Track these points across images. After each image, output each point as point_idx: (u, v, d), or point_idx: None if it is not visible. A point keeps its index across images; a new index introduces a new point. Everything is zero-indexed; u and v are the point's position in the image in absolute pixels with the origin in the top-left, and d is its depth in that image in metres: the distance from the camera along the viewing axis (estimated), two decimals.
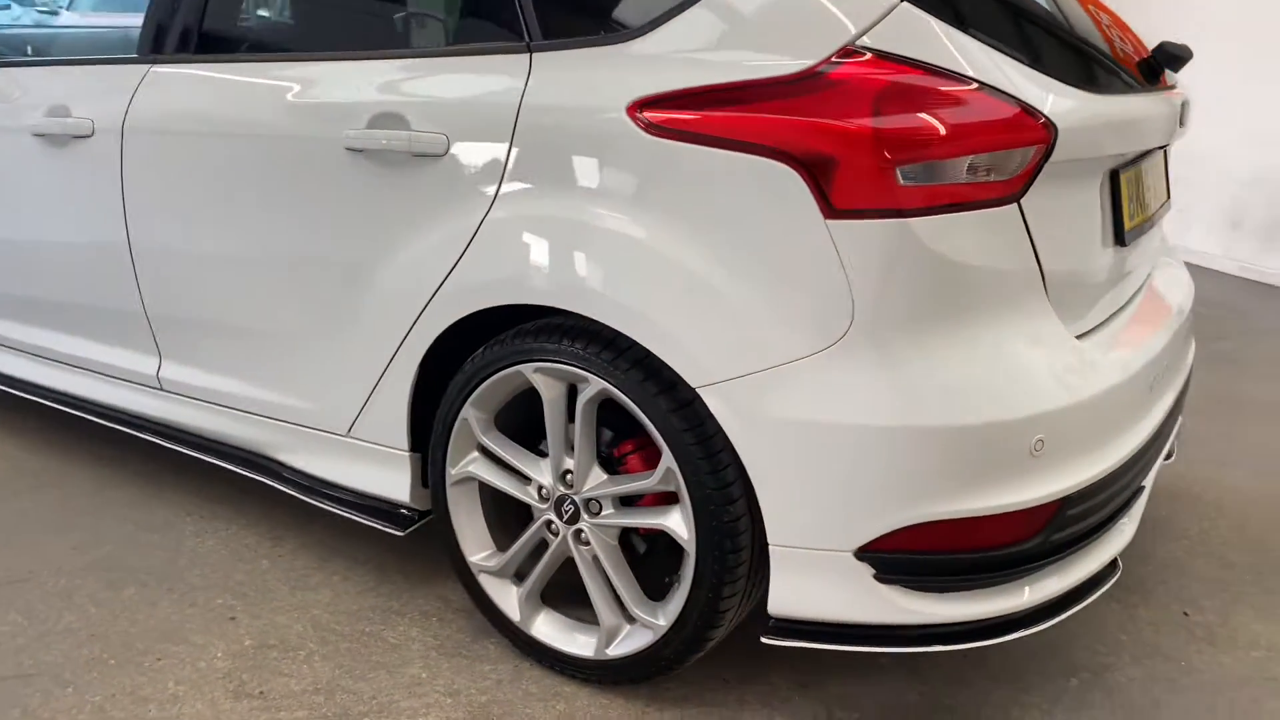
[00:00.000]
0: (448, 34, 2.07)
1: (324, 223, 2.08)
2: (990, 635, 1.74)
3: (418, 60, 2.00)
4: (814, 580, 1.71)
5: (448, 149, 1.88)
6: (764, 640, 1.76)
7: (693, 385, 1.69)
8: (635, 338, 1.73)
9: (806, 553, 1.70)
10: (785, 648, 1.77)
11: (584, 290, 1.76)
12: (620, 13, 1.83)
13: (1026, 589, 1.74)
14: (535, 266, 1.81)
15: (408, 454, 2.14)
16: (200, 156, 2.23)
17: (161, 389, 2.54)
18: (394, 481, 2.18)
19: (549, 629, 2.03)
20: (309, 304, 2.16)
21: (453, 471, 2.05)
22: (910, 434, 1.61)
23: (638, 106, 1.69)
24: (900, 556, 1.67)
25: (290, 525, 2.57)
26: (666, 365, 1.73)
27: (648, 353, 1.76)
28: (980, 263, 1.63)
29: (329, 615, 2.21)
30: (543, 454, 2.01)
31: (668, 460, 1.76)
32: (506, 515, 2.15)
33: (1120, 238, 1.94)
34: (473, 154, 1.87)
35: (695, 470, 1.73)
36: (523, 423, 2.03)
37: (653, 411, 1.75)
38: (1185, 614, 2.30)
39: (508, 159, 1.83)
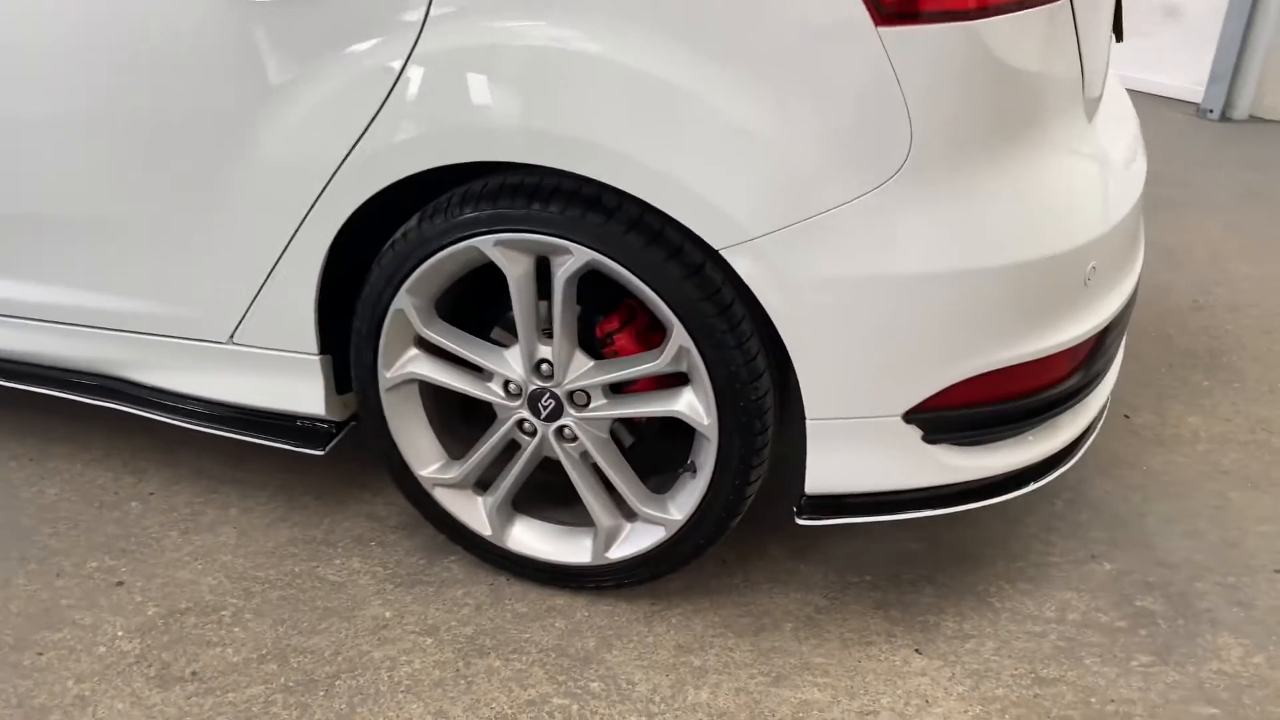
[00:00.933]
0: None
1: (179, 70, 1.58)
2: (1024, 483, 1.63)
3: None
4: (856, 451, 1.52)
5: None
6: (800, 521, 1.58)
7: (715, 246, 1.41)
8: (637, 193, 1.41)
9: (849, 423, 1.50)
10: (819, 526, 1.59)
11: (562, 138, 1.41)
12: None
13: (1061, 431, 1.63)
14: (488, 112, 1.43)
15: (318, 357, 1.75)
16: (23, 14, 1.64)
17: None
18: (302, 392, 1.79)
19: (531, 539, 1.76)
20: (164, 180, 1.67)
21: (388, 374, 1.69)
22: (973, 278, 1.41)
23: None
24: (949, 414, 1.50)
25: (150, 455, 2.11)
26: (672, 225, 1.43)
27: (644, 211, 1.45)
28: (1039, 68, 1.41)
29: (243, 560, 1.83)
30: (496, 343, 1.68)
31: (679, 338, 1.48)
32: (451, 416, 1.83)
33: (1119, 30, 1.77)
34: None
35: (718, 346, 1.47)
36: (451, 310, 1.68)
37: (659, 281, 1.46)
38: (1126, 417, 2.31)
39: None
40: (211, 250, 1.71)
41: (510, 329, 1.71)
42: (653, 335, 1.64)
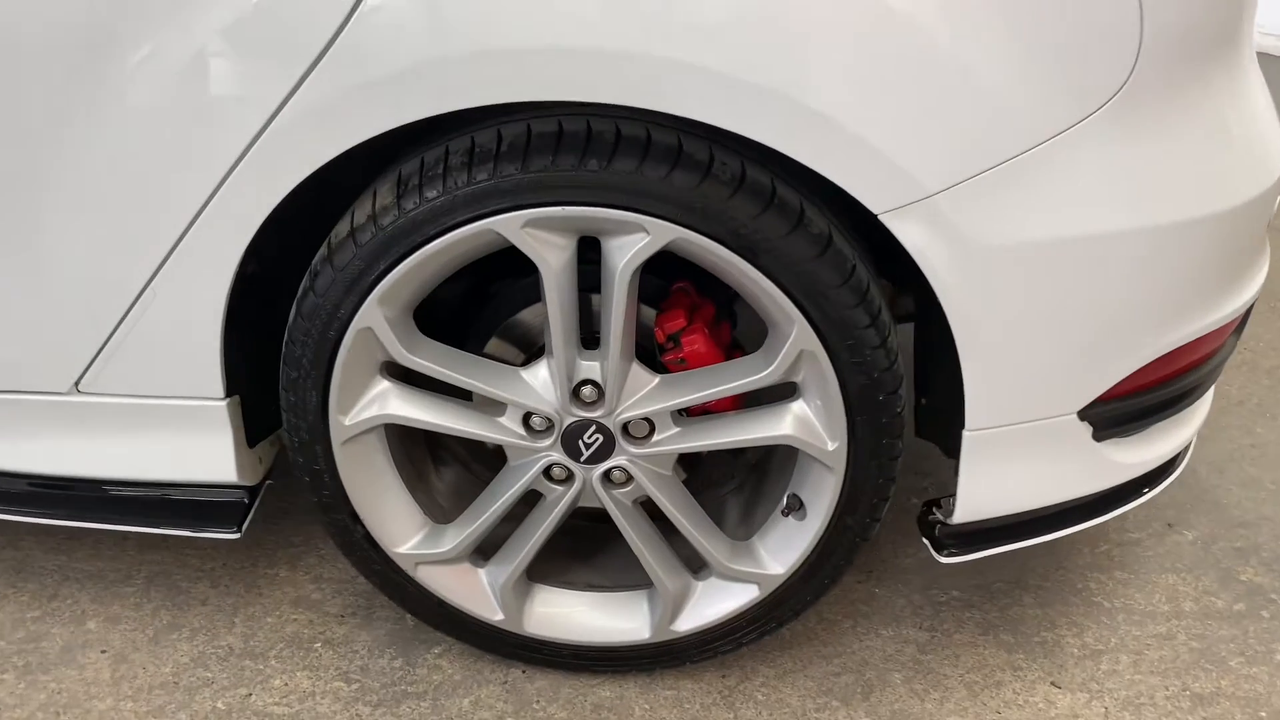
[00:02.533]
0: None
1: None
2: (1172, 469, 1.34)
3: None
4: (1021, 463, 1.16)
5: None
6: (943, 560, 1.21)
7: (876, 209, 0.99)
8: (762, 138, 0.96)
9: (1017, 429, 1.13)
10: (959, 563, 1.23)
11: (648, 59, 0.93)
12: None
13: (1199, 412, 1.35)
14: (515, 26, 0.93)
15: (223, 402, 1.19)
16: None
17: None
18: (197, 452, 1.22)
19: (561, 617, 1.28)
20: None
21: (346, 421, 1.15)
22: (1180, 233, 1.07)
23: None
24: (1123, 404, 1.17)
25: None
26: (783, 181, 1.00)
27: (744, 168, 1.00)
28: None
29: (131, 705, 1.25)
30: (498, 361, 1.19)
31: (800, 338, 1.06)
32: (418, 460, 1.32)
33: None
34: None
35: (856, 346, 1.06)
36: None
37: (777, 264, 1.02)
38: None
39: None
40: (38, 265, 1.10)
41: (513, 339, 1.23)
42: (722, 329, 1.20)
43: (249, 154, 1.00)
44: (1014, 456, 1.15)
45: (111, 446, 1.23)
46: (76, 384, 1.19)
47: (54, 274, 1.10)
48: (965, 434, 1.12)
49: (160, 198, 1.04)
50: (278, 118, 0.98)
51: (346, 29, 0.94)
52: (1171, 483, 1.36)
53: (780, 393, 1.14)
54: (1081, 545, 1.59)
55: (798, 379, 1.12)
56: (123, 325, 1.12)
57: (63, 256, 1.09)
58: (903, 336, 1.15)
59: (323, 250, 1.08)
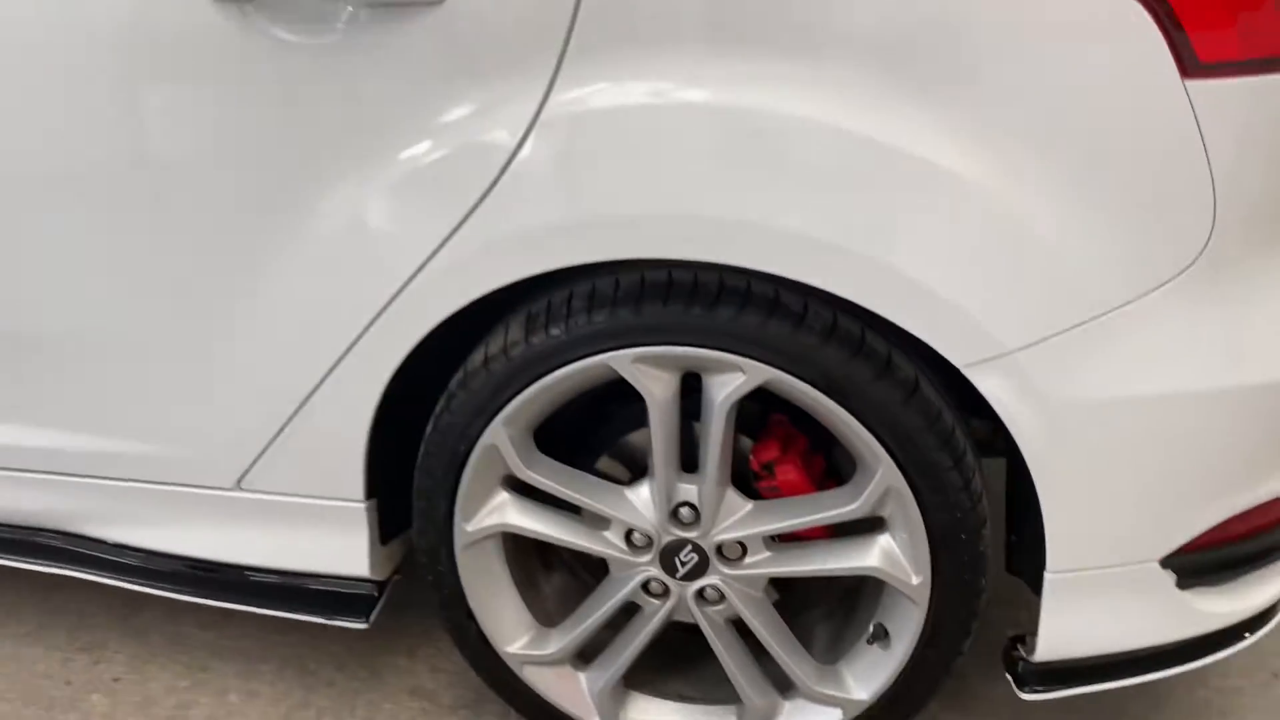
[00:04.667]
0: None
1: (172, 148, 1.15)
2: (1264, 621, 1.34)
3: None
4: (1102, 606, 1.20)
5: None
6: (1025, 697, 1.25)
7: (958, 362, 1.07)
8: (851, 296, 1.06)
9: (1099, 573, 1.17)
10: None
11: (754, 227, 1.05)
12: None
13: None
14: (649, 196, 1.06)
15: (362, 504, 1.33)
16: None
17: None
18: (336, 548, 1.36)
19: None
20: (151, 289, 1.23)
21: (469, 527, 1.28)
22: (1267, 392, 1.11)
23: None
24: (1210, 553, 1.20)
25: (103, 621, 1.63)
26: (874, 330, 1.10)
27: (837, 315, 1.10)
28: None
29: None
30: (606, 477, 1.30)
31: (887, 476, 1.14)
32: (531, 567, 1.43)
33: None
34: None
35: (940, 486, 1.13)
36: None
37: (865, 406, 1.11)
38: None
39: (577, 6, 1.03)
40: (217, 375, 1.27)
41: (622, 459, 1.34)
42: (815, 461, 1.29)
43: (406, 289, 1.15)
44: (1095, 599, 1.19)
45: (260, 538, 1.39)
46: (239, 481, 1.35)
47: (234, 382, 1.27)
48: (1046, 574, 1.17)
49: (331, 320, 1.20)
50: (432, 261, 1.13)
51: (493, 191, 1.09)
52: (1276, 629, 1.35)
53: (869, 526, 1.22)
54: (1180, 689, 1.57)
55: (885, 514, 1.19)
56: (284, 431, 1.28)
57: (243, 367, 1.26)
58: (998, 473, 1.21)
59: (459, 375, 1.22)
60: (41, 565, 1.47)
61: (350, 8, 1.06)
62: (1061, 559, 1.16)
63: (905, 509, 1.15)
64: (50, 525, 1.47)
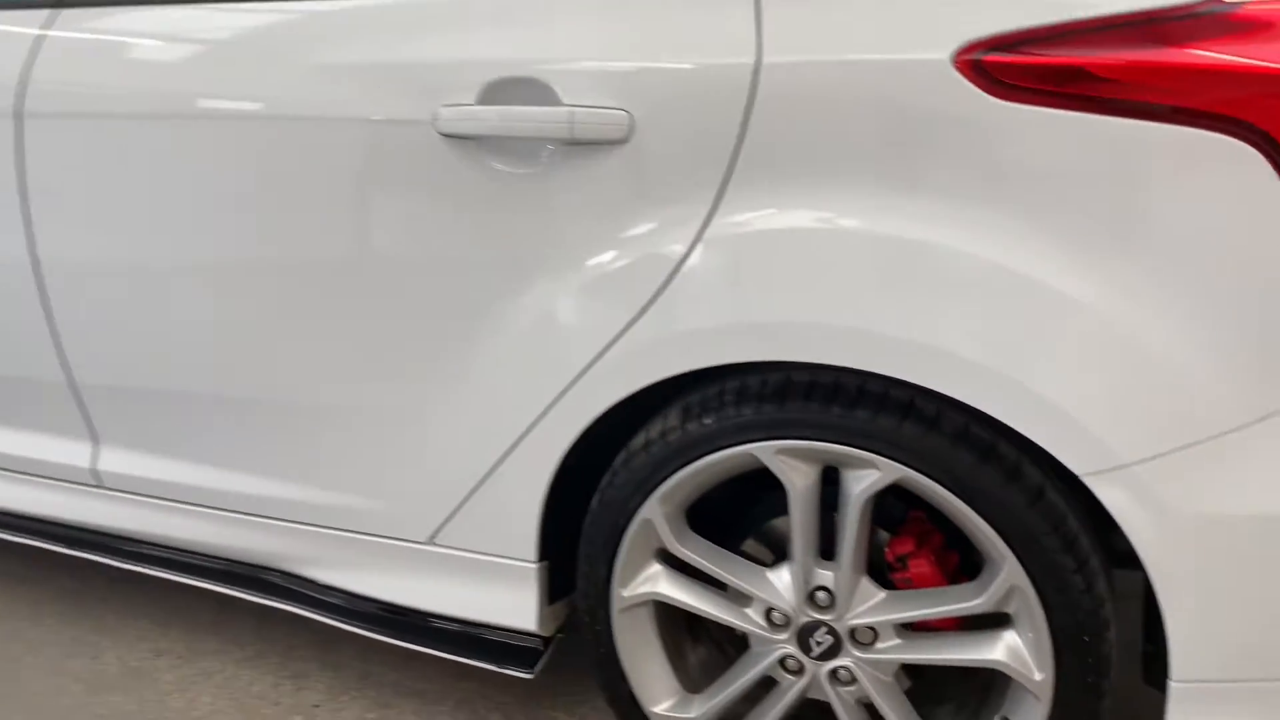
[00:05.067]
0: None
1: (402, 249, 1.39)
2: None
3: None
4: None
5: (630, 133, 1.23)
6: None
7: (1079, 471, 1.15)
8: (978, 405, 1.16)
9: (1221, 686, 1.20)
10: None
11: (895, 341, 1.17)
12: None
13: None
14: (798, 307, 1.21)
15: (534, 565, 1.50)
16: (165, 152, 1.46)
17: (101, 486, 1.76)
18: (509, 603, 1.53)
19: None
20: (375, 362, 1.46)
21: (625, 593, 1.43)
22: None
23: (975, 52, 1.10)
24: None
25: (307, 654, 1.86)
26: (1005, 437, 1.18)
27: (969, 421, 1.20)
28: None
29: None
30: (754, 560, 1.42)
31: (1011, 575, 1.21)
32: (679, 636, 1.56)
33: None
34: (673, 137, 1.22)
35: (1063, 588, 1.20)
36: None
37: (991, 508, 1.20)
38: None
39: (739, 144, 1.20)
40: (423, 442, 1.48)
41: (766, 542, 1.46)
42: (949, 556, 1.37)
43: (584, 376, 1.32)
44: (1221, 712, 1.21)
45: (444, 588, 1.57)
46: (431, 537, 1.55)
47: (435, 449, 1.47)
48: (1170, 683, 1.21)
49: (520, 399, 1.38)
50: (607, 353, 1.30)
51: (660, 296, 1.26)
52: None
53: (996, 620, 1.29)
54: None
55: (1010, 610, 1.26)
56: (473, 495, 1.47)
57: (444, 436, 1.46)
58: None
59: (622, 455, 1.38)
60: (264, 598, 1.71)
61: (551, 146, 1.27)
62: (1185, 669, 1.19)
63: (1029, 607, 1.22)
64: (274, 565, 1.71)
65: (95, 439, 1.73)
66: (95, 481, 1.75)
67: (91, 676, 1.78)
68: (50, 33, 1.53)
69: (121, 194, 1.51)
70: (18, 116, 1.53)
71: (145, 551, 1.78)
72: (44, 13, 1.54)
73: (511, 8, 1.31)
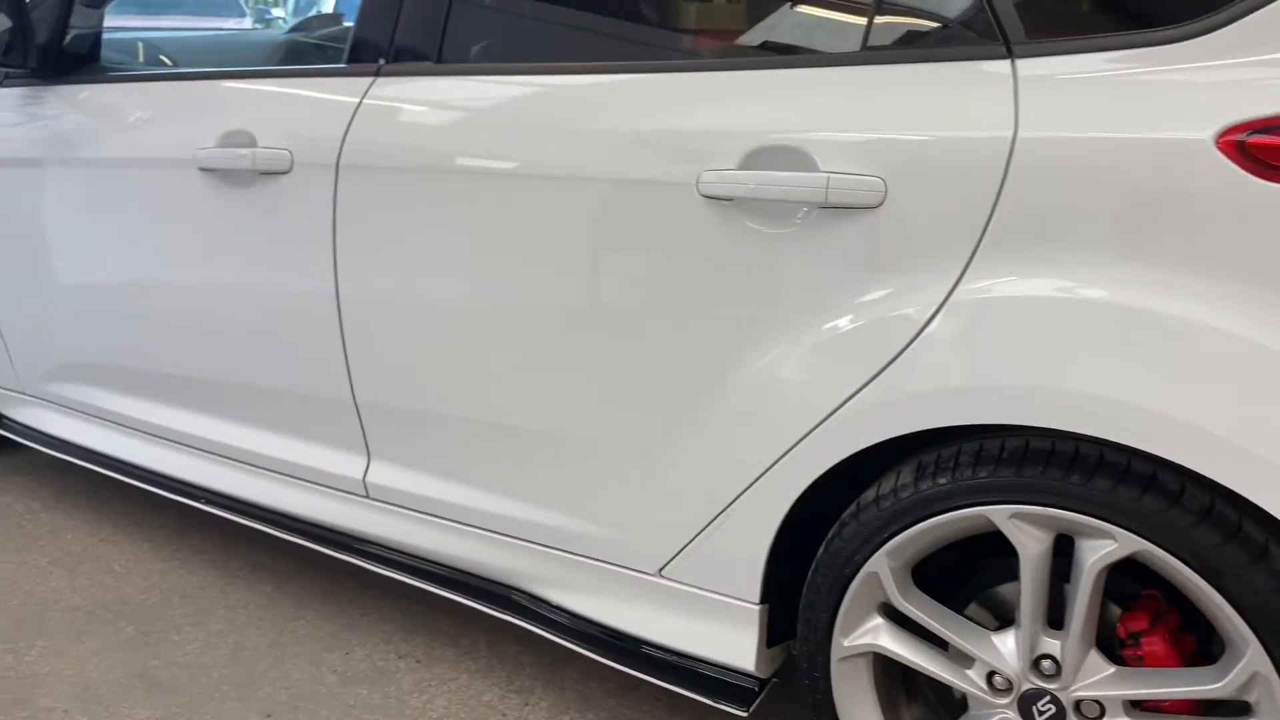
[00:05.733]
0: (864, 34, 1.46)
1: (655, 298, 1.51)
2: None
3: (801, 72, 1.42)
4: None
5: (883, 199, 1.31)
6: None
7: None
8: (1226, 482, 1.15)
9: None
10: None
11: (1129, 409, 1.19)
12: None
13: None
14: (1044, 373, 1.24)
15: (757, 607, 1.57)
16: (461, 205, 1.65)
17: (368, 497, 1.97)
18: (729, 641, 1.60)
19: None
20: (625, 399, 1.58)
21: (845, 642, 1.47)
22: None
23: (1239, 134, 1.12)
24: None
25: (533, 672, 1.99)
26: (1252, 518, 1.16)
27: (1214, 499, 1.19)
28: None
29: None
30: (969, 621, 1.43)
31: (1254, 661, 1.18)
32: (896, 693, 1.58)
33: None
34: (926, 204, 1.29)
35: None
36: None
37: (1235, 589, 1.18)
38: None
39: (991, 213, 1.25)
40: (659, 478, 1.59)
41: (991, 607, 1.47)
42: (1185, 638, 1.34)
43: (820, 427, 1.39)
44: None
45: (665, 618, 1.66)
46: (661, 569, 1.65)
47: (673, 485, 1.58)
48: None
49: (758, 444, 1.46)
50: (843, 408, 1.37)
51: (901, 356, 1.32)
52: None
53: (1235, 708, 1.25)
54: None
55: (1251, 699, 1.22)
56: (704, 532, 1.56)
57: (683, 474, 1.56)
58: None
59: (852, 508, 1.44)
60: (502, 613, 1.85)
61: (805, 209, 1.36)
62: None
63: (1273, 698, 1.19)
64: (515, 582, 1.85)
65: (368, 454, 1.94)
66: (364, 492, 1.96)
67: (344, 669, 1.97)
68: (366, 99, 1.76)
69: (414, 240, 1.71)
70: (336, 169, 1.76)
71: (401, 560, 1.97)
72: (365, 80, 1.78)
73: (774, 83, 1.42)
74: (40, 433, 2.51)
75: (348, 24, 3.13)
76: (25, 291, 2.36)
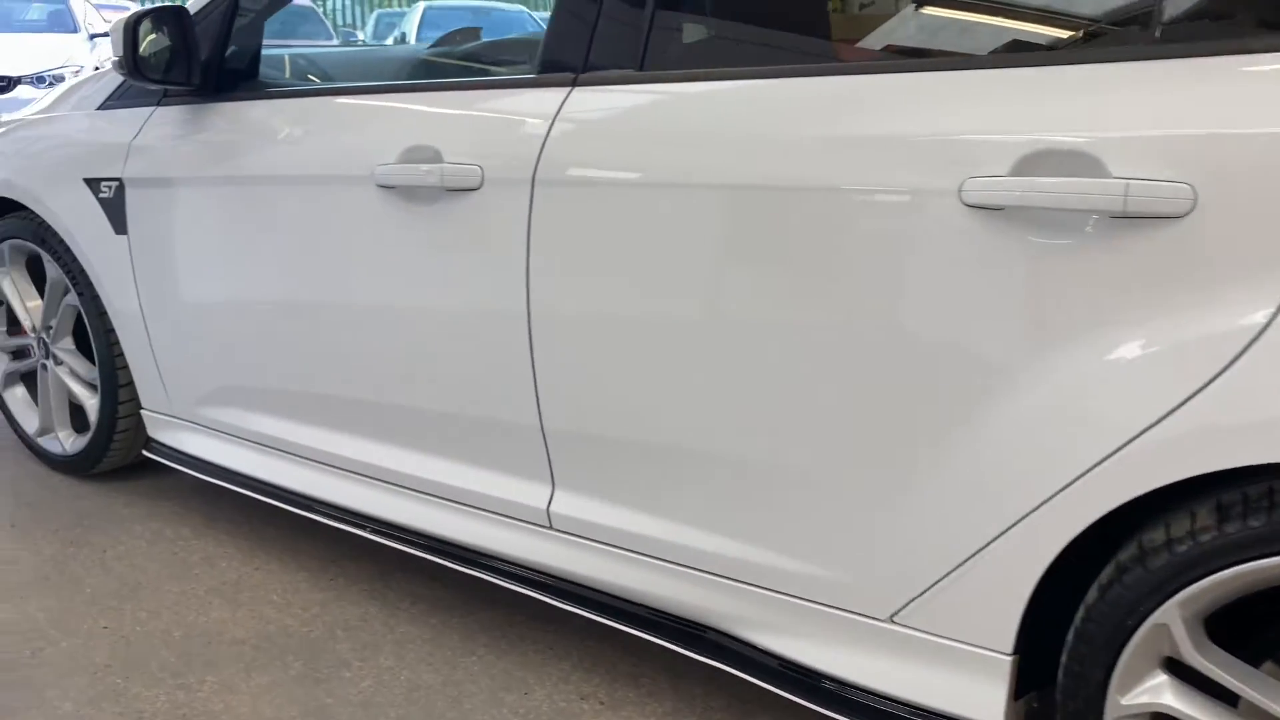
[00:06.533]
0: (1157, 19, 1.31)
1: (906, 318, 1.38)
2: None
3: (1086, 67, 1.28)
4: None
5: (1192, 207, 1.16)
6: None
7: None
8: None
9: None
10: None
11: None
12: None
13: None
14: None
15: (1009, 658, 1.42)
16: (676, 220, 1.54)
17: (550, 528, 1.86)
18: (972, 693, 1.46)
19: None
20: (863, 431, 1.45)
21: (1123, 701, 1.32)
22: None
23: None
24: None
25: (726, 719, 1.86)
26: None
27: None
28: None
29: None
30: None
31: None
32: None
33: None
34: (1245, 212, 1.14)
35: None
36: None
37: None
38: None
39: None
40: (900, 518, 1.45)
41: None
42: None
43: (1112, 458, 1.24)
44: None
45: (895, 667, 1.52)
46: (893, 615, 1.51)
47: (913, 524, 1.44)
48: None
49: (1030, 477, 1.32)
50: (1143, 437, 1.22)
51: (1213, 384, 1.17)
52: None
53: None
54: None
55: None
56: (950, 576, 1.42)
57: (927, 511, 1.43)
58: None
59: (1132, 550, 1.29)
60: (694, 653, 1.73)
61: (1095, 218, 1.22)
62: None
63: None
64: (712, 622, 1.73)
65: (553, 482, 1.83)
66: (546, 523, 1.86)
67: (526, 711, 1.87)
68: (563, 111, 1.66)
69: (618, 257, 1.60)
70: (532, 184, 1.67)
71: (585, 594, 1.86)
72: (560, 91, 1.68)
73: (1051, 79, 1.28)
74: (191, 456, 2.46)
75: (489, 39, 3.07)
76: (182, 314, 2.31)
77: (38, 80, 9.64)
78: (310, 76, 2.63)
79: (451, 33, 2.96)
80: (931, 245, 1.34)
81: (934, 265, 1.34)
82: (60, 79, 9.78)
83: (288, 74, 2.64)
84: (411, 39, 11.56)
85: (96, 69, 10.47)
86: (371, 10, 16.49)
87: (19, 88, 9.49)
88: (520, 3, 13.15)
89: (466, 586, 2.24)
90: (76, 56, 10.15)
